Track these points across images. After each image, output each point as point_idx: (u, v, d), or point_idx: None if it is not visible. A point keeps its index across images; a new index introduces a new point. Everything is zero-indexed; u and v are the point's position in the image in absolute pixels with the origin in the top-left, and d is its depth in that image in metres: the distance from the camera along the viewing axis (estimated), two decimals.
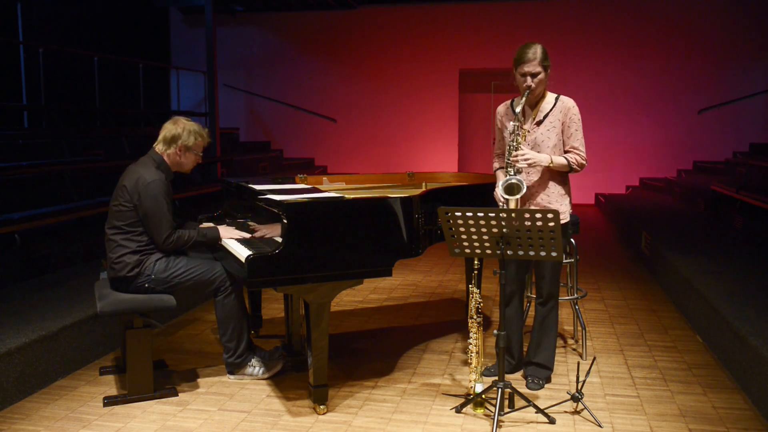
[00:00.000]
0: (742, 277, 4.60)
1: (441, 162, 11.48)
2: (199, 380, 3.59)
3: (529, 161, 3.18)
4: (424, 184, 4.44)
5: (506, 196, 3.18)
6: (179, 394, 3.39)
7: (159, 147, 3.47)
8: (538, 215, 2.82)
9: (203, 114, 10.25)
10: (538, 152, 3.28)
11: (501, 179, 3.31)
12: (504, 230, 2.90)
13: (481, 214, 2.89)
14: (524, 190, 3.14)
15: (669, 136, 10.90)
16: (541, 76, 3.23)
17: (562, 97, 3.35)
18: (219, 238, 3.48)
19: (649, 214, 7.80)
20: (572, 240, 3.96)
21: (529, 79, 3.22)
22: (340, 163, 12.07)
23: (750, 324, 3.54)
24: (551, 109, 3.32)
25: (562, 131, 3.31)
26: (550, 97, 3.36)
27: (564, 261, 3.85)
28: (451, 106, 11.60)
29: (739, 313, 3.74)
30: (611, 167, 11.09)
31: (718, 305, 3.94)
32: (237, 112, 12.23)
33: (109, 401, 3.28)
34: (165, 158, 3.46)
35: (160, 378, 3.50)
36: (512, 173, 3.21)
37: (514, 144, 3.22)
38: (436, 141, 11.70)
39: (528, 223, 2.85)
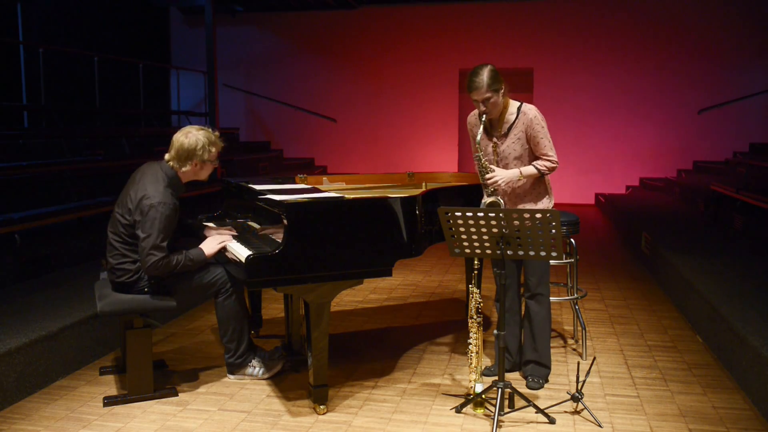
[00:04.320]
0: (742, 277, 4.60)
1: (441, 162, 11.48)
2: (199, 380, 3.59)
3: (500, 184, 3.34)
4: (424, 184, 4.44)
5: None
6: (179, 394, 3.39)
7: (172, 163, 3.29)
8: (538, 215, 2.82)
9: (203, 114, 10.26)
10: (507, 164, 3.41)
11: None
12: (504, 230, 2.91)
13: (481, 214, 2.90)
14: (503, 207, 3.32)
15: (669, 136, 10.90)
16: (493, 99, 3.28)
17: (524, 107, 3.38)
18: (206, 258, 3.32)
19: (649, 214, 7.80)
20: (572, 240, 3.96)
21: (481, 105, 3.30)
22: (340, 163, 12.07)
23: (750, 324, 3.54)
24: (514, 121, 3.38)
25: (528, 141, 3.38)
26: (513, 107, 3.40)
27: (564, 261, 3.85)
28: (451, 106, 11.60)
29: (739, 313, 3.74)
30: (611, 167, 11.09)
31: (718, 305, 3.94)
32: (237, 112, 12.23)
33: (109, 401, 3.28)
34: (179, 174, 3.31)
35: (160, 378, 3.50)
36: (489, 192, 3.36)
37: (483, 168, 3.35)
38: (436, 141, 11.70)
39: (528, 223, 2.86)
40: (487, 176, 3.33)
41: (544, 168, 3.37)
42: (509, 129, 3.38)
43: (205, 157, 3.31)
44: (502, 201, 3.34)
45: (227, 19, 11.89)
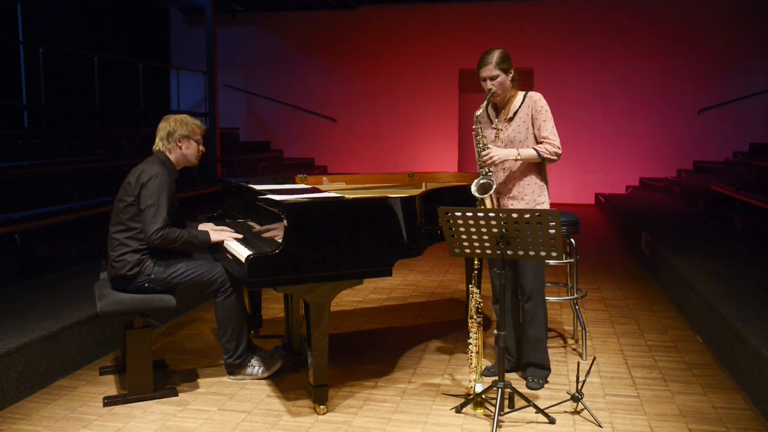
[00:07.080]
0: (742, 277, 4.60)
1: (441, 162, 11.48)
2: (199, 380, 3.59)
3: (494, 159, 3.28)
4: (424, 184, 4.44)
5: (479, 196, 3.26)
6: (179, 394, 3.39)
7: (159, 146, 3.51)
8: (538, 215, 2.82)
9: (203, 114, 10.26)
10: (512, 148, 3.38)
11: None
12: (504, 230, 2.91)
13: (481, 214, 2.89)
14: (494, 187, 3.25)
15: (669, 136, 10.90)
16: (501, 78, 3.32)
17: (530, 93, 3.43)
18: (209, 241, 3.43)
19: (649, 214, 7.80)
20: (572, 240, 3.96)
21: (488, 82, 3.33)
22: (340, 163, 12.07)
23: (750, 324, 3.54)
24: (520, 106, 3.41)
25: (532, 124, 3.38)
26: (520, 95, 3.44)
27: (564, 261, 3.85)
28: (451, 106, 11.60)
29: (739, 313, 3.74)
30: (611, 167, 11.09)
31: (718, 305, 3.94)
32: (237, 112, 12.23)
33: (109, 401, 3.28)
34: (168, 155, 3.50)
35: (160, 378, 3.51)
36: (484, 173, 3.31)
37: (481, 146, 3.33)
38: (436, 141, 11.70)
39: (528, 224, 2.86)
40: (483, 153, 3.29)
41: (545, 152, 3.31)
42: (515, 114, 3.39)
43: (186, 132, 3.50)
44: (493, 182, 3.25)
45: (227, 19, 11.88)
